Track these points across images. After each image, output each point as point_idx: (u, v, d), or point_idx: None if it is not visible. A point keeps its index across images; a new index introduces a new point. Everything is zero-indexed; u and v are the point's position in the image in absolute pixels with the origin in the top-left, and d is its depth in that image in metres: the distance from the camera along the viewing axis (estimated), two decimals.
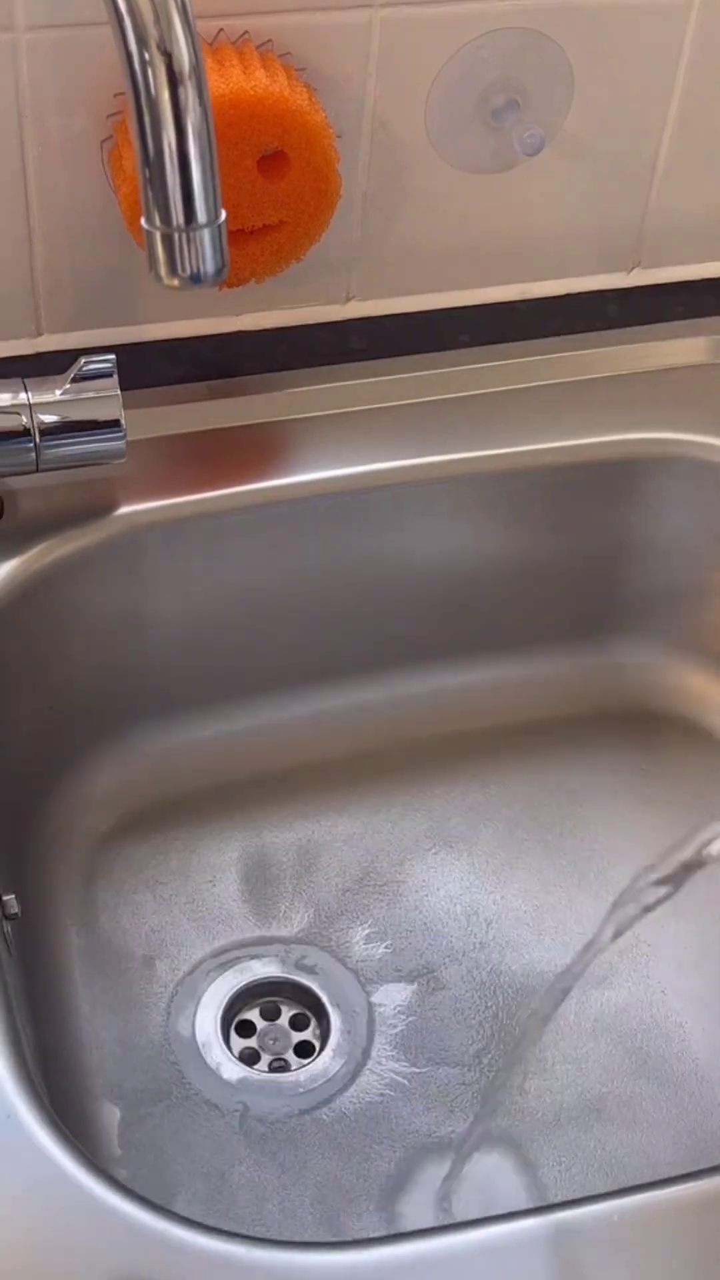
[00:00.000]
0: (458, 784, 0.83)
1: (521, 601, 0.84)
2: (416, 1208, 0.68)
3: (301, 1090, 0.72)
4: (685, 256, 0.87)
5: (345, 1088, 0.72)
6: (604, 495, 0.81)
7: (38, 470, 0.71)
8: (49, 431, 0.70)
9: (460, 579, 0.83)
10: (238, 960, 0.76)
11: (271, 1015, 0.75)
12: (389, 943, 0.77)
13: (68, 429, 0.70)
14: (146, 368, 0.79)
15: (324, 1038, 0.74)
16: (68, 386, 0.70)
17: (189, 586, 0.78)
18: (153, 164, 0.55)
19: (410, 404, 0.81)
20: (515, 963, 0.77)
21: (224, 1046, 0.73)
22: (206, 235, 0.56)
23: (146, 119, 0.54)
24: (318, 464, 0.78)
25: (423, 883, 0.79)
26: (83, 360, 0.70)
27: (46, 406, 0.70)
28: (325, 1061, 0.73)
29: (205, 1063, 0.72)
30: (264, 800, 0.82)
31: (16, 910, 0.67)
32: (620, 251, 0.86)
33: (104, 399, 0.70)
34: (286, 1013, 0.75)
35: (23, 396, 0.70)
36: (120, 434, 0.71)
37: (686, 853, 0.57)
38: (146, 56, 0.53)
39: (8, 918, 0.67)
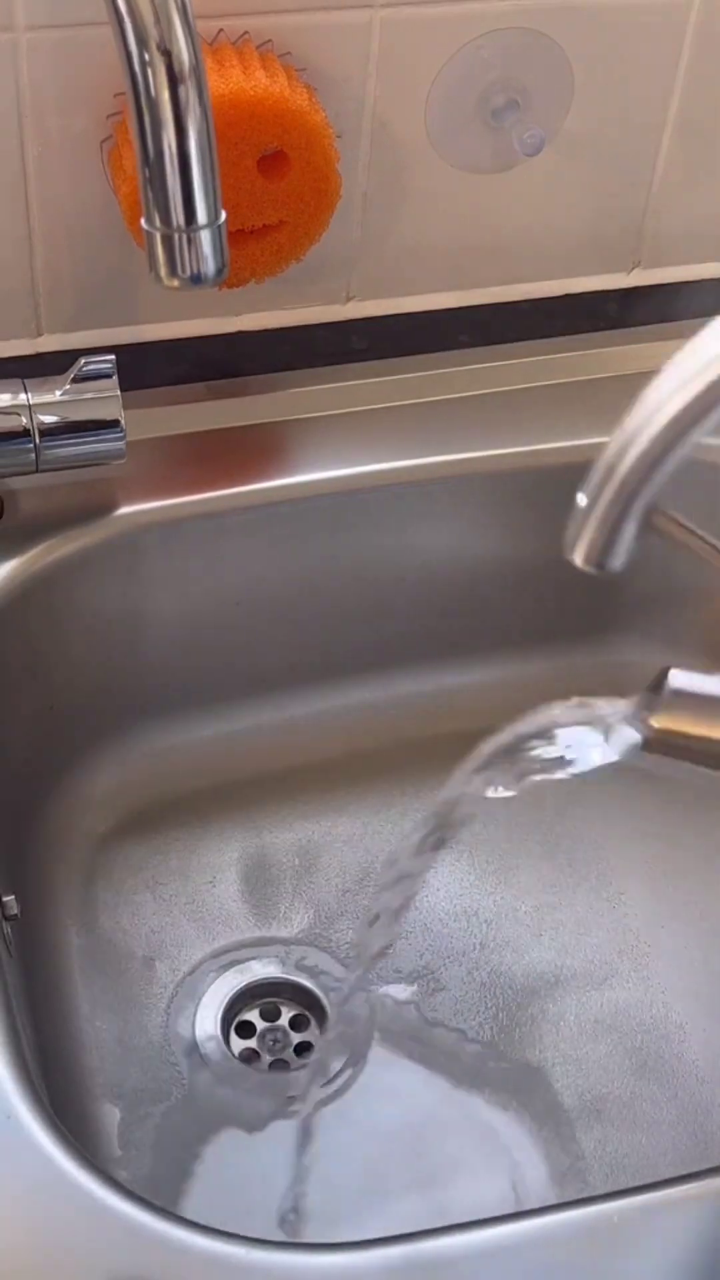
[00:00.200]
0: None
1: (521, 601, 0.84)
2: (416, 1208, 0.68)
3: (301, 1090, 0.72)
4: (685, 256, 0.87)
5: (345, 1088, 0.72)
6: None
7: (38, 470, 0.71)
8: (49, 432, 0.70)
9: (460, 579, 0.83)
10: (238, 961, 0.76)
11: (271, 1016, 0.75)
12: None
13: (67, 429, 0.70)
14: (146, 368, 0.79)
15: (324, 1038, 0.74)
16: (68, 387, 0.70)
17: (189, 586, 0.78)
18: (153, 164, 0.55)
19: (410, 404, 0.81)
20: (515, 963, 0.77)
21: (224, 1047, 0.73)
22: (206, 235, 0.56)
23: (146, 119, 0.54)
24: (318, 464, 0.78)
25: (423, 883, 0.79)
26: (83, 360, 0.70)
27: (46, 407, 0.70)
28: (325, 1062, 0.73)
29: (205, 1063, 0.72)
30: (264, 800, 0.82)
31: (16, 911, 0.67)
32: (620, 251, 0.86)
33: (104, 399, 0.70)
34: (286, 1013, 0.75)
35: (23, 397, 0.70)
36: (120, 434, 0.71)
37: (503, 739, 0.53)
38: (146, 56, 0.53)
39: (8, 918, 0.67)
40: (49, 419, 0.70)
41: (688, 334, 0.45)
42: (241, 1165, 0.69)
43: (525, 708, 0.85)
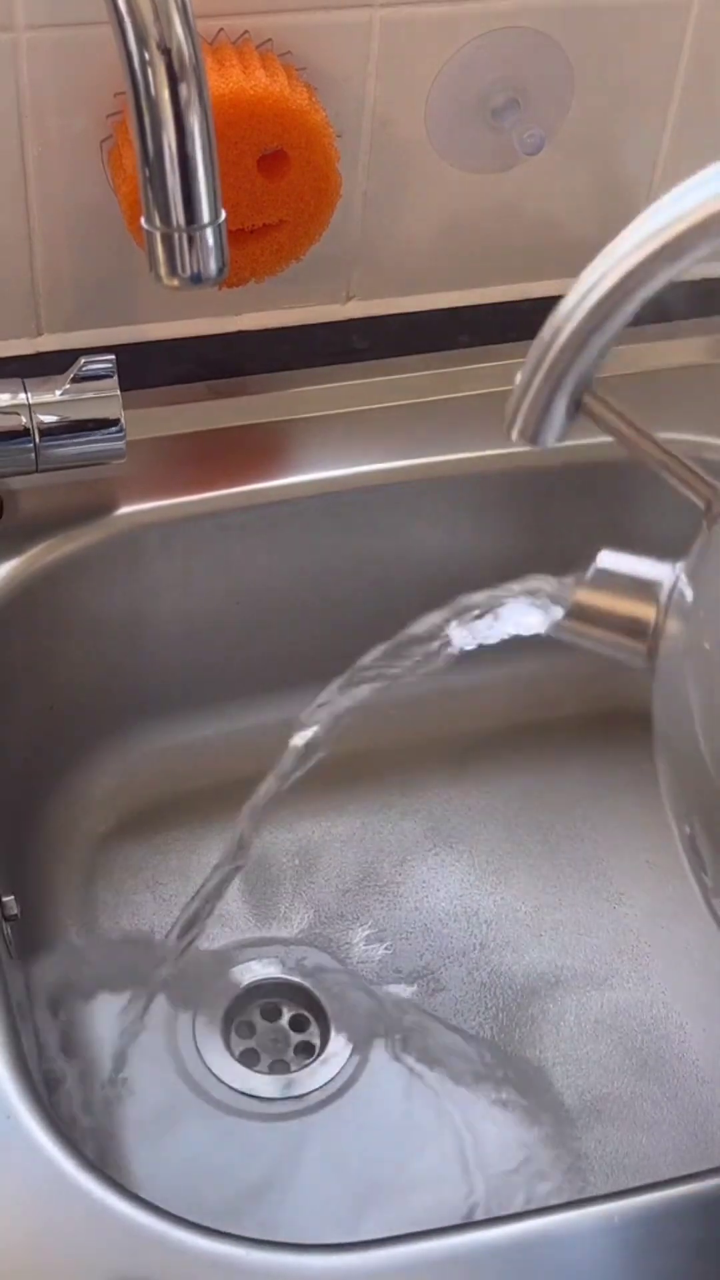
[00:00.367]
0: (458, 784, 0.83)
1: None
2: (416, 1208, 0.68)
3: (301, 1090, 0.72)
4: None
5: (345, 1088, 0.72)
6: (604, 495, 0.81)
7: (38, 470, 0.71)
8: (49, 431, 0.70)
9: (460, 578, 0.83)
10: (238, 961, 0.76)
11: (272, 1016, 0.75)
12: (389, 943, 0.77)
13: (67, 429, 0.70)
14: (146, 367, 0.79)
15: (324, 1039, 0.74)
16: (67, 386, 0.70)
17: (189, 586, 0.78)
18: (153, 164, 0.55)
19: (410, 404, 0.81)
20: (515, 963, 0.77)
21: (224, 1047, 0.73)
22: (207, 235, 0.56)
23: (146, 119, 0.54)
24: (318, 464, 0.78)
25: (423, 883, 0.79)
26: (83, 360, 0.70)
27: (46, 406, 0.70)
28: (325, 1062, 0.73)
29: (206, 1064, 0.72)
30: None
31: (16, 911, 0.67)
32: None
33: (104, 399, 0.70)
34: (286, 1014, 0.75)
35: (22, 396, 0.70)
36: (120, 434, 0.71)
37: (459, 604, 0.60)
38: (146, 56, 0.53)
39: (8, 918, 0.67)
40: (49, 419, 0.70)
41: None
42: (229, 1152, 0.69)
43: (525, 707, 0.86)
